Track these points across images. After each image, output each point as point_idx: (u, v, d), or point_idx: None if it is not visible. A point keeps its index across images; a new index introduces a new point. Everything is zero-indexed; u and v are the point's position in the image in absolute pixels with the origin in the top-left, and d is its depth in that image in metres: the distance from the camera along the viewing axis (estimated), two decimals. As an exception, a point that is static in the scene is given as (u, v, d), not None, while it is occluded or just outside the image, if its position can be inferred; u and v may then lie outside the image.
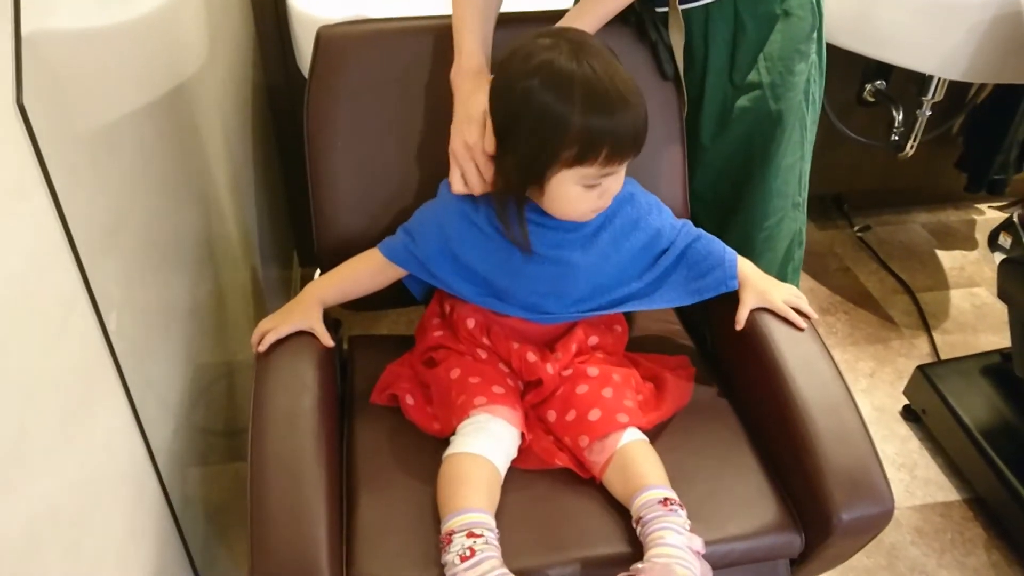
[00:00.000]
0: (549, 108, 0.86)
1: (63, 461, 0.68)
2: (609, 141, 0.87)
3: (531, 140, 0.89)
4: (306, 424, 0.92)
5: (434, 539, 0.89)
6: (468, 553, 0.84)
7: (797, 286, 1.21)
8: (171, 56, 1.09)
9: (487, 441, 0.94)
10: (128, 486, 0.82)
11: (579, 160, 0.88)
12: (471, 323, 1.07)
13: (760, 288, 1.05)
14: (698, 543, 0.86)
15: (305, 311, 1.00)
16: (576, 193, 0.91)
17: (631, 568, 0.85)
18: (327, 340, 0.98)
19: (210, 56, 1.27)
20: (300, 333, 1.01)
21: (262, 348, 0.97)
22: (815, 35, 1.18)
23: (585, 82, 0.86)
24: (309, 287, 1.03)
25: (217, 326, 1.23)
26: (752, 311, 1.04)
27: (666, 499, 0.88)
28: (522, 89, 0.88)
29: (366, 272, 1.05)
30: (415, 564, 0.88)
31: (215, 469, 1.19)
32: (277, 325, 0.98)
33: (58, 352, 0.68)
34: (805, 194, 1.31)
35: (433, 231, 0.99)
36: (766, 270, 1.10)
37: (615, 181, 0.93)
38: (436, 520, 0.90)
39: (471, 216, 0.97)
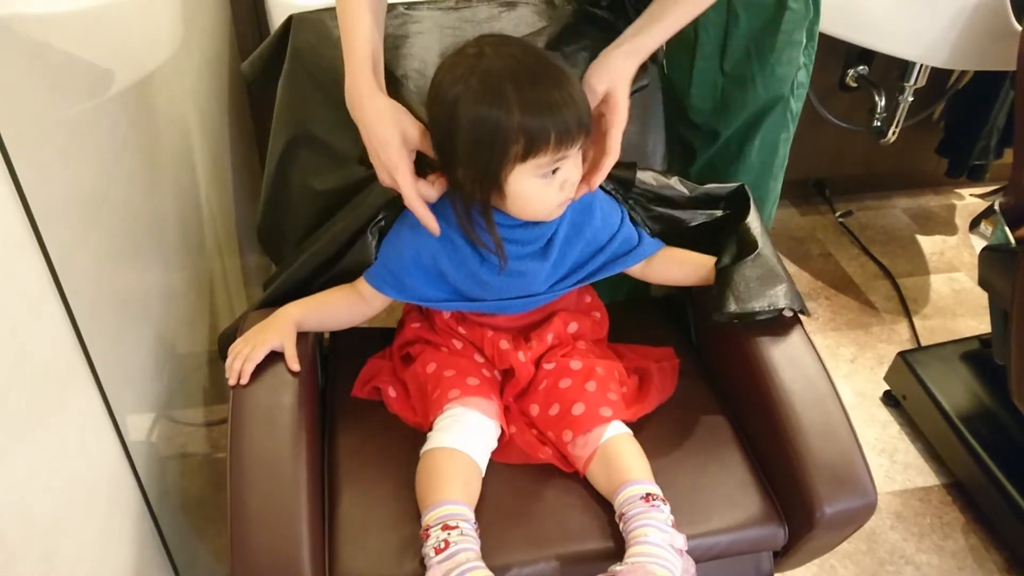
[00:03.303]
0: (483, 109, 0.83)
1: (34, 465, 0.66)
2: (553, 125, 0.84)
3: (475, 146, 0.85)
4: (286, 420, 0.91)
5: (417, 535, 0.88)
6: (442, 545, 0.83)
7: None
8: (143, 44, 1.07)
9: (462, 434, 0.94)
10: (104, 486, 0.81)
11: (529, 152, 0.85)
12: (446, 313, 1.07)
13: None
14: (680, 540, 0.86)
15: (279, 330, 0.97)
16: (536, 188, 0.89)
17: (609, 570, 0.84)
18: (293, 364, 0.96)
19: (184, 43, 1.25)
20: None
21: (243, 381, 0.93)
22: (808, 25, 1.17)
23: (514, 74, 0.84)
24: (285, 308, 1.00)
25: (196, 315, 1.21)
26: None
27: (649, 495, 0.88)
28: (453, 97, 0.85)
29: (343, 302, 1.02)
30: (398, 560, 0.88)
31: (194, 462, 1.17)
32: (252, 348, 0.95)
33: (27, 353, 0.66)
34: (778, 183, 1.31)
35: (407, 244, 0.97)
36: None
37: (573, 168, 0.90)
38: (419, 516, 0.90)
39: (444, 230, 0.95)
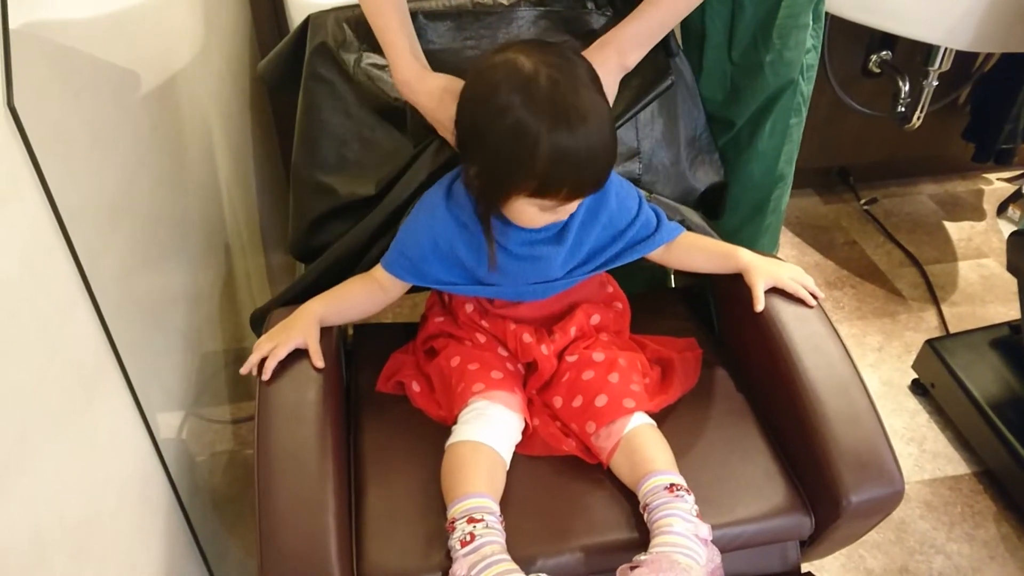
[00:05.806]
0: (516, 140, 0.83)
1: (67, 463, 0.67)
2: (570, 185, 0.86)
3: (495, 161, 0.87)
4: (312, 416, 0.92)
5: (442, 528, 0.89)
6: (468, 538, 0.84)
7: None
8: (164, 47, 1.08)
9: (486, 427, 0.95)
10: (135, 484, 0.82)
11: (538, 195, 0.87)
12: (469, 307, 1.07)
13: (767, 269, 1.04)
14: (704, 530, 0.86)
15: (303, 328, 0.98)
16: (533, 214, 0.91)
17: (634, 559, 0.85)
18: (318, 360, 0.97)
19: (204, 46, 1.26)
20: None
21: (265, 377, 0.95)
22: (814, 6, 1.16)
23: (555, 117, 0.82)
24: (307, 304, 1.02)
25: (222, 314, 1.23)
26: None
27: (673, 485, 0.88)
28: (498, 108, 0.84)
29: (362, 291, 1.04)
30: (424, 553, 0.89)
31: (222, 458, 1.19)
32: (275, 345, 0.96)
33: (58, 353, 0.67)
34: (791, 168, 1.31)
35: (424, 230, 0.98)
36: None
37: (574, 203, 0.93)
38: (444, 509, 0.90)
39: (460, 216, 0.97)
